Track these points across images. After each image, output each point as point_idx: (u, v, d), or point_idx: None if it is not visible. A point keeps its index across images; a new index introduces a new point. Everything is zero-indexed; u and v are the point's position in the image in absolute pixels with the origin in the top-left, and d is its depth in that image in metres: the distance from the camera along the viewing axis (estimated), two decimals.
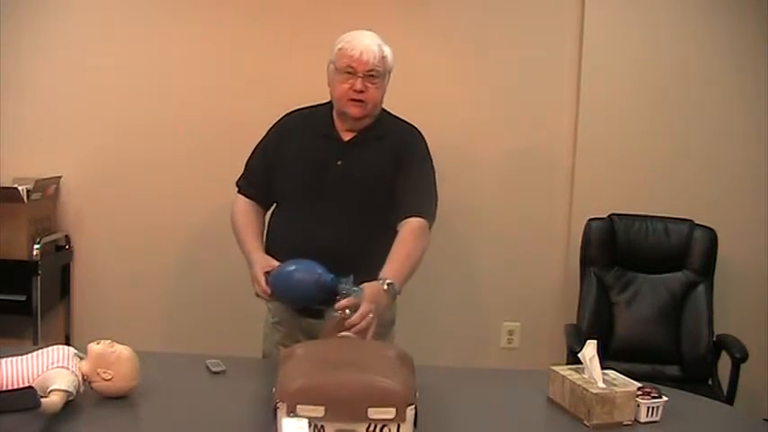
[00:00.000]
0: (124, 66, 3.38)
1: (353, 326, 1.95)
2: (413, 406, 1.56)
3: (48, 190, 3.32)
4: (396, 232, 2.20)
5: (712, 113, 3.37)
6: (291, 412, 1.50)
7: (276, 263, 2.15)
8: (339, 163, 2.26)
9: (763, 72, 3.31)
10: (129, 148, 3.40)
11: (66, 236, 3.43)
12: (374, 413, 1.53)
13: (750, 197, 3.37)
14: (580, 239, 3.21)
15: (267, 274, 2.13)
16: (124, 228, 3.44)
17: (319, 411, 1.51)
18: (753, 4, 3.31)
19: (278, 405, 1.53)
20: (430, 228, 2.28)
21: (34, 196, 3.20)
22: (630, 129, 3.38)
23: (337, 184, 2.25)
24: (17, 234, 3.16)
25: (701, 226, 3.17)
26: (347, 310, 1.97)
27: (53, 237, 3.34)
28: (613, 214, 3.22)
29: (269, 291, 2.11)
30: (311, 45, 3.26)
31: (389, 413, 1.53)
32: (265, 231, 2.37)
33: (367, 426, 1.53)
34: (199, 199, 3.41)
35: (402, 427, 1.54)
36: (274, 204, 2.41)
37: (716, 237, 3.15)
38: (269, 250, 2.28)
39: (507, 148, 3.42)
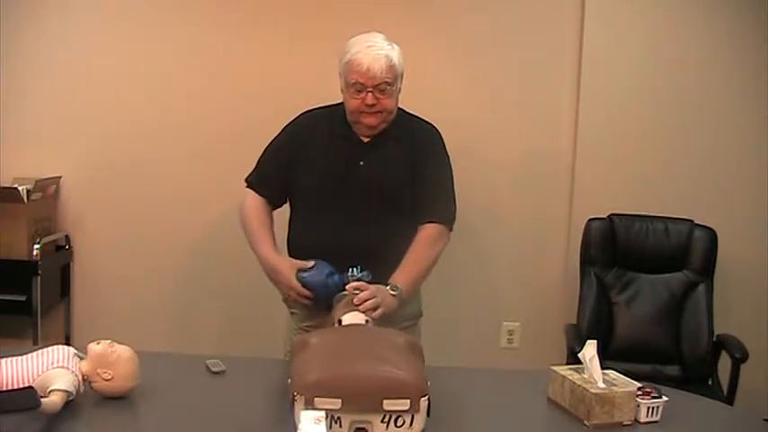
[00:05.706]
0: (124, 66, 3.38)
1: (362, 302, 1.98)
2: (426, 397, 1.57)
3: (48, 190, 3.32)
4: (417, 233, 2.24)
5: (712, 113, 3.36)
6: (309, 405, 1.51)
7: (298, 262, 2.17)
8: (361, 164, 2.26)
9: (763, 72, 3.31)
10: (129, 147, 3.41)
11: (67, 236, 3.43)
12: (389, 405, 1.54)
13: (750, 197, 3.37)
14: (580, 239, 3.21)
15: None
16: (124, 228, 3.44)
17: (336, 404, 1.53)
18: (753, 4, 3.31)
19: (295, 397, 1.54)
20: (451, 228, 2.32)
21: (34, 196, 3.20)
22: (630, 129, 3.38)
23: (361, 186, 2.25)
24: (17, 234, 3.16)
25: (701, 226, 3.17)
26: (356, 291, 2.02)
27: (53, 237, 3.34)
28: (613, 214, 3.21)
29: (311, 295, 2.13)
30: (314, 46, 3.28)
31: (404, 404, 1.55)
32: (287, 233, 2.35)
33: (382, 417, 1.55)
34: (199, 199, 3.41)
35: (416, 417, 1.56)
36: (286, 203, 2.39)
37: (716, 237, 3.15)
38: (292, 252, 2.29)
39: (507, 149, 3.42)
